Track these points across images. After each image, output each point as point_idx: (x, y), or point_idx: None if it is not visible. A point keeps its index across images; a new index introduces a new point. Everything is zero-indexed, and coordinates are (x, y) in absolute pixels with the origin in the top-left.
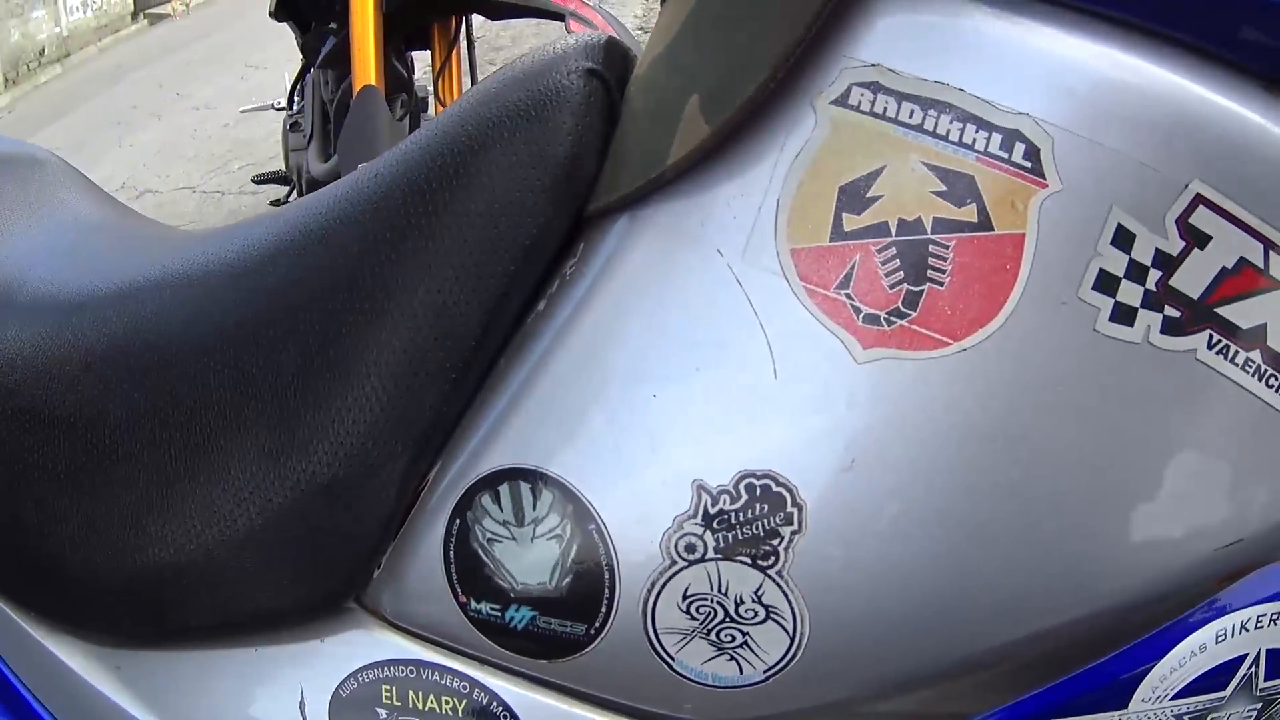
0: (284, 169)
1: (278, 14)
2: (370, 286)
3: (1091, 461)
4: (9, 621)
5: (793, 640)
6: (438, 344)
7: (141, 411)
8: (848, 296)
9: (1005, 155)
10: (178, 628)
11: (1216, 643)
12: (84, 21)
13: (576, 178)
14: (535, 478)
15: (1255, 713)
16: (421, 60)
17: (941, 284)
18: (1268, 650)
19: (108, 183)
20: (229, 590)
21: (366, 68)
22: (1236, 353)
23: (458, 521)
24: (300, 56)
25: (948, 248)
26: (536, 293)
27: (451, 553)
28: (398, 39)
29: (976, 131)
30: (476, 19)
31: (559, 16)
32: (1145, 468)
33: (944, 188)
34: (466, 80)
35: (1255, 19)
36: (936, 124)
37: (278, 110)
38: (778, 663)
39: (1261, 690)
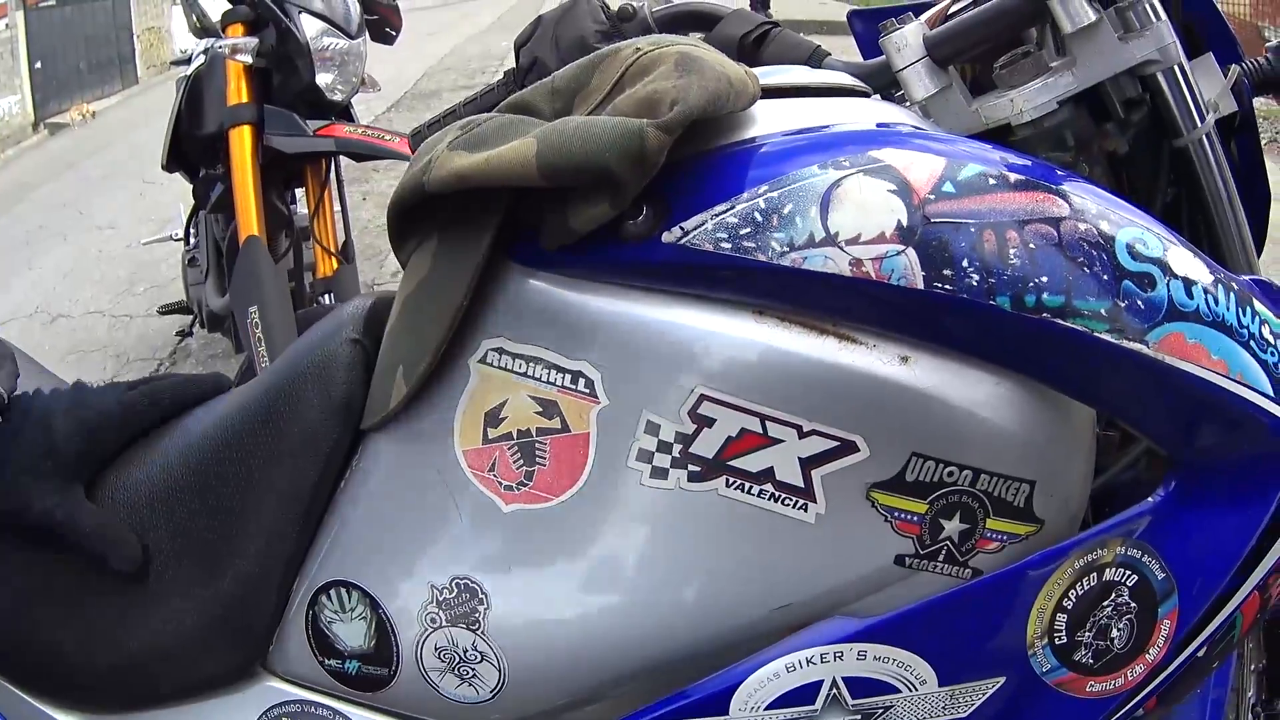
0: (185, 300)
1: (168, 166)
2: (243, 479)
3: (616, 559)
4: (28, 704)
5: (500, 673)
6: (288, 510)
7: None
8: (494, 476)
9: (574, 387)
10: (154, 696)
11: (788, 672)
12: None
13: (350, 412)
14: (348, 585)
15: None
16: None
17: (545, 464)
18: (844, 678)
19: (22, 308)
20: (185, 668)
21: (249, 219)
22: (751, 487)
23: (311, 612)
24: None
25: (546, 444)
26: (340, 477)
27: (310, 631)
28: (278, 181)
29: (557, 374)
30: (344, 159)
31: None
32: (693, 560)
33: (541, 409)
34: (339, 216)
35: (734, 273)
36: (534, 371)
37: (175, 240)
38: (495, 687)
39: (855, 705)
